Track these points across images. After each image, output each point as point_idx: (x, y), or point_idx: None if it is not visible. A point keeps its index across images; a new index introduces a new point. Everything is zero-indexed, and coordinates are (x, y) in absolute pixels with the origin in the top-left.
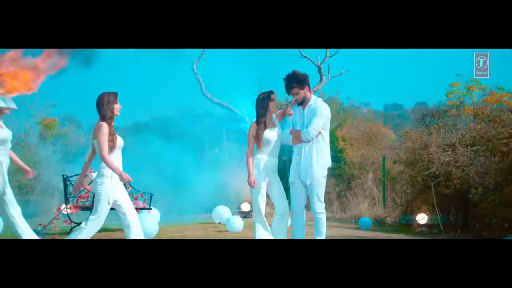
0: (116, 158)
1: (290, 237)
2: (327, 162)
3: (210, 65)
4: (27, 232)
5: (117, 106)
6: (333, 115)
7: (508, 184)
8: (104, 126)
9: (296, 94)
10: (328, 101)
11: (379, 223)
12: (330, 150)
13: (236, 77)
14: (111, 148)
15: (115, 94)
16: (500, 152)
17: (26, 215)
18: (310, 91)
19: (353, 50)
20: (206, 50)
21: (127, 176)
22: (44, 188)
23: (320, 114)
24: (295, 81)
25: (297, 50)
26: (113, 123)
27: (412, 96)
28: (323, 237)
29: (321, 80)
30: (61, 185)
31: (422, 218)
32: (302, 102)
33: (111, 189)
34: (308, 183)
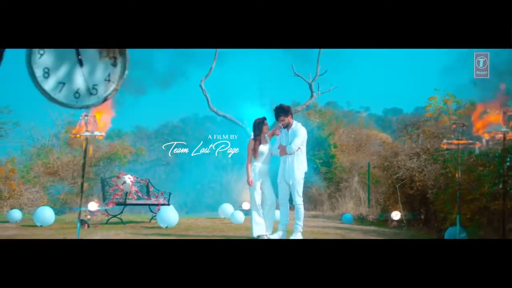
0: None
1: (277, 224)
2: (304, 168)
3: (217, 82)
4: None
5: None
6: (325, 124)
7: (451, 186)
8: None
9: (282, 120)
10: (323, 109)
11: (361, 220)
12: (323, 157)
13: (238, 93)
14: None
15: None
16: (440, 161)
17: (55, 212)
18: (292, 118)
19: (350, 59)
20: (213, 68)
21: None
22: (69, 189)
23: (299, 135)
24: (281, 111)
25: (294, 66)
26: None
27: (411, 100)
28: (301, 222)
29: (311, 96)
30: (85, 186)
31: (395, 215)
32: (287, 126)
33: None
34: (290, 183)
